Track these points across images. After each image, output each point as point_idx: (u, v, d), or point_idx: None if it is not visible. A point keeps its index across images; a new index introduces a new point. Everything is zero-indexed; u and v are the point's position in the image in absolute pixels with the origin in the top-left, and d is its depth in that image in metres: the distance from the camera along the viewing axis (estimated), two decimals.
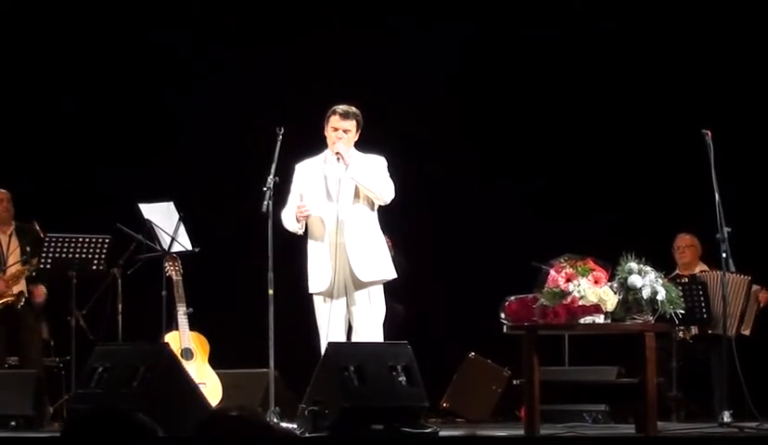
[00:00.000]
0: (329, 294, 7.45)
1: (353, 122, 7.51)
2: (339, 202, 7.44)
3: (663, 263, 8.65)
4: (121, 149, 10.35)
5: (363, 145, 7.61)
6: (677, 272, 9.12)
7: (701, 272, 9.12)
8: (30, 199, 9.37)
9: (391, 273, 7.57)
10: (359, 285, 7.43)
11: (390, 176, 7.54)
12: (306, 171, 7.63)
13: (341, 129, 7.49)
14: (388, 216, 7.70)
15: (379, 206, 7.57)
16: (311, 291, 7.53)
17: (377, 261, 7.50)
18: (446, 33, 10.05)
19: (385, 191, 7.49)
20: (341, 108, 7.53)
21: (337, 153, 7.48)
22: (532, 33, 10.02)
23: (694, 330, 8.95)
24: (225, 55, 10.27)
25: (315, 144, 7.65)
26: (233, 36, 10.26)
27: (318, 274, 7.48)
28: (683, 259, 9.32)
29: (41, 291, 9.14)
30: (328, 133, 7.55)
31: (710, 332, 8.79)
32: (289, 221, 7.56)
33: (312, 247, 7.54)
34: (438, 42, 10.05)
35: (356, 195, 7.49)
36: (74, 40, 10.27)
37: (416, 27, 10.08)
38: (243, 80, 10.32)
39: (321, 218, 7.49)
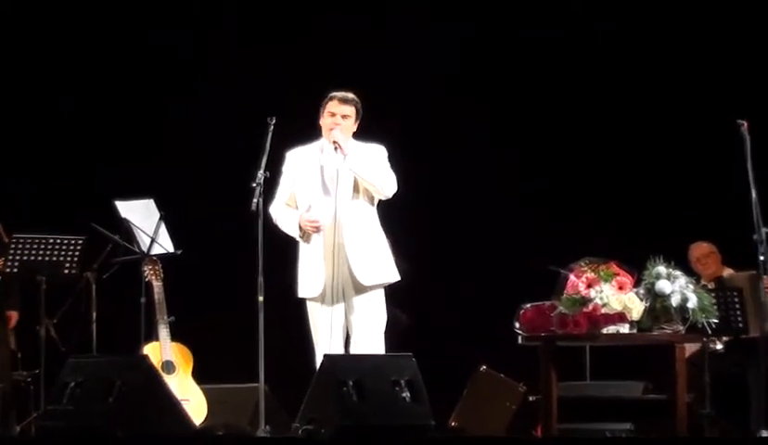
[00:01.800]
0: (323, 299, 7.39)
1: (353, 109, 7.51)
2: (337, 196, 7.38)
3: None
4: (96, 143, 10.40)
5: (361, 140, 7.63)
6: (702, 283, 9.05)
7: (730, 276, 9.18)
8: None
9: (394, 276, 7.51)
10: (359, 289, 7.36)
11: (391, 167, 7.53)
12: (299, 161, 7.54)
13: (339, 114, 7.47)
14: (388, 214, 7.67)
15: (379, 201, 7.53)
16: (301, 296, 7.48)
17: (379, 263, 7.43)
18: (446, 33, 10.32)
19: (387, 184, 7.44)
20: (340, 92, 7.52)
21: (334, 142, 7.43)
22: (532, 33, 10.29)
23: (723, 340, 8.96)
24: (220, 51, 10.48)
25: (312, 135, 7.62)
26: (231, 34, 10.50)
27: (311, 277, 7.41)
28: (707, 270, 9.30)
29: (14, 317, 9.21)
30: (324, 120, 7.52)
31: (743, 336, 8.78)
32: (287, 223, 7.50)
33: (304, 246, 7.46)
34: (438, 42, 10.31)
35: (355, 188, 7.44)
36: (56, 36, 10.40)
37: (416, 27, 10.35)
38: (234, 74, 10.45)
39: (322, 225, 7.43)
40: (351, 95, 7.52)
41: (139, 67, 10.53)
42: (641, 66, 10.28)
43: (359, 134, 7.59)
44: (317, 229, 7.40)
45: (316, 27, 10.38)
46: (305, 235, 7.45)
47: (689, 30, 10.06)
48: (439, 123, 10.43)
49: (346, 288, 7.37)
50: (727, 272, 9.25)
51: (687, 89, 10.09)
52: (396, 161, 7.60)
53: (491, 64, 10.43)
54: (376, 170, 7.44)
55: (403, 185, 7.55)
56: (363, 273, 7.36)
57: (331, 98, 7.51)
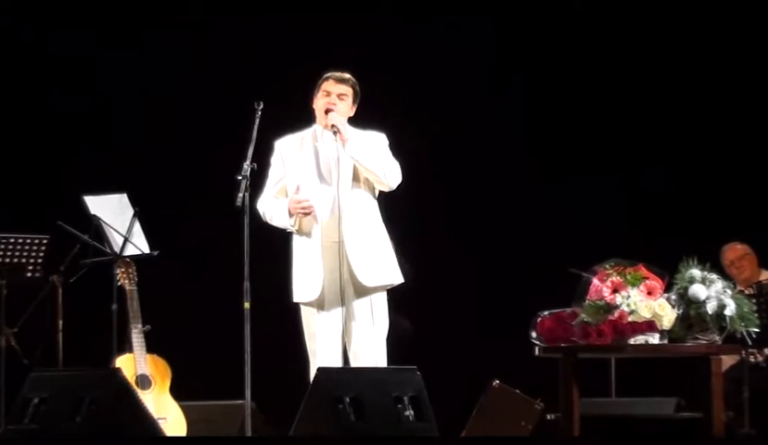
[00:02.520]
0: (321, 303, 7.26)
1: (350, 89, 7.41)
2: (339, 187, 7.28)
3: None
4: (63, 133, 10.35)
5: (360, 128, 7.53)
6: (738, 289, 9.06)
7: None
8: None
9: (398, 277, 7.40)
10: (361, 291, 7.25)
11: (394, 156, 7.42)
12: (291, 150, 7.41)
13: (335, 93, 7.37)
14: (389, 210, 7.57)
15: (379, 194, 7.43)
16: (297, 300, 7.32)
17: (383, 262, 7.32)
18: (446, 32, 10.58)
19: (390, 173, 7.32)
20: (336, 72, 7.42)
21: (332, 126, 7.27)
22: (552, 21, 10.58)
23: (765, 352, 8.91)
24: (210, 44, 10.59)
25: (305, 122, 7.53)
26: (230, 31, 10.63)
27: (308, 279, 7.26)
28: (742, 274, 9.37)
29: None
30: (318, 101, 7.41)
31: None
32: (276, 213, 7.37)
33: (300, 243, 7.34)
34: (438, 39, 10.55)
35: (355, 178, 7.31)
36: (42, 30, 10.46)
37: (416, 27, 10.57)
38: (219, 60, 10.55)
39: (313, 206, 7.29)
40: (347, 75, 7.43)
41: (117, 55, 10.55)
42: (672, 57, 10.40)
43: (357, 123, 7.49)
44: (307, 211, 7.26)
45: (316, 25, 10.48)
46: (297, 222, 7.30)
47: (717, 20, 10.18)
48: (444, 119, 10.57)
49: (346, 291, 7.26)
50: (765, 275, 9.26)
51: (723, 78, 10.17)
52: (400, 155, 7.54)
53: (508, 56, 10.64)
54: (378, 158, 7.31)
55: (407, 181, 7.47)
56: (364, 273, 7.24)
57: (327, 78, 7.41)
